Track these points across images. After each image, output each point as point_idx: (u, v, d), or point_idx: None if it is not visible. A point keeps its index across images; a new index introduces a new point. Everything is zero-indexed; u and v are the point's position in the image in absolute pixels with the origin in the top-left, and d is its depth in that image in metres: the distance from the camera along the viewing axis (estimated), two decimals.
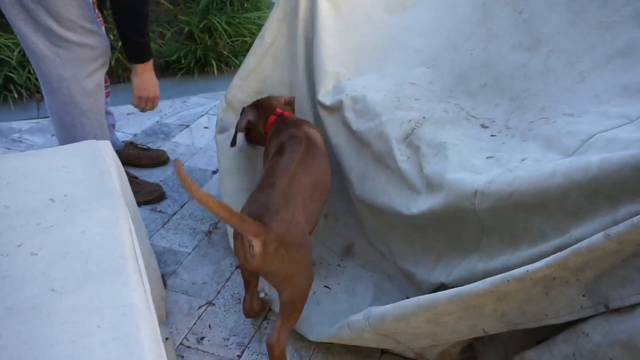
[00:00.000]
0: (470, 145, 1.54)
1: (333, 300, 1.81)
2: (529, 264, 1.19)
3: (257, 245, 1.38)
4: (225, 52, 3.63)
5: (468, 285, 1.25)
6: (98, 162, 1.56)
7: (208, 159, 2.64)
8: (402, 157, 1.65)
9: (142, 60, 1.99)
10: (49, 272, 1.15)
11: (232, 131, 2.08)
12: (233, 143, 1.97)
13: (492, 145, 1.53)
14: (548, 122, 1.53)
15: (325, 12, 2.05)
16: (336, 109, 1.91)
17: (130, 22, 1.88)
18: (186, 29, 3.69)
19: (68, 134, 2.07)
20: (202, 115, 3.09)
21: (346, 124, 1.87)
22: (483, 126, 1.65)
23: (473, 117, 1.71)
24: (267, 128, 1.90)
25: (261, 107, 1.95)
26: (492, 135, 1.59)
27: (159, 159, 2.57)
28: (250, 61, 2.14)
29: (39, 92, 3.20)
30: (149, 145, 2.67)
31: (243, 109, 1.98)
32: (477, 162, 1.46)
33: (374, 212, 1.79)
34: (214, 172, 2.53)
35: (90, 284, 1.10)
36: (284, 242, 1.40)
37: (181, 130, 2.92)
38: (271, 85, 2.16)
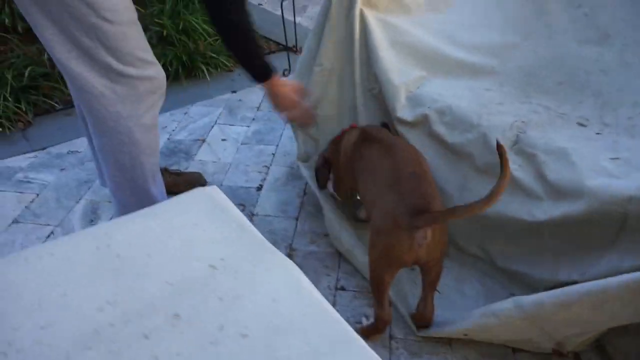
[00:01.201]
0: (587, 147, 1.60)
1: (447, 301, 1.83)
2: None
3: (429, 234, 1.46)
4: (209, 54, 3.44)
5: None
6: (225, 213, 1.46)
7: (244, 174, 2.53)
8: (514, 166, 1.67)
9: (267, 76, 1.82)
10: (276, 354, 1.07)
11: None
12: (321, 185, 2.08)
13: (606, 145, 1.60)
14: None
15: (376, 29, 2.02)
16: (419, 123, 1.91)
17: (246, 44, 1.75)
18: (163, 33, 3.44)
19: (126, 173, 1.91)
20: (213, 127, 2.94)
21: (436, 138, 1.87)
22: (581, 124, 1.71)
23: (564, 114, 1.77)
24: (338, 137, 1.97)
25: (330, 142, 2.07)
26: (597, 134, 1.66)
27: (198, 182, 2.42)
28: (316, 89, 2.14)
29: (20, 120, 2.89)
30: (175, 167, 2.52)
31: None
32: (607, 164, 1.51)
33: (475, 221, 1.82)
34: (258, 189, 2.44)
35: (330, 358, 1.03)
36: (445, 226, 1.53)
37: (199, 146, 2.76)
38: (340, 109, 2.18)
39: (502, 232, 1.78)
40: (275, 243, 2.09)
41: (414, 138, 1.94)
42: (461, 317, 1.69)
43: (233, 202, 2.28)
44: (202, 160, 2.65)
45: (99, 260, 1.24)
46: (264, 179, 2.51)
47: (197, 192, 1.52)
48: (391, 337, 1.77)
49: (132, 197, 2.01)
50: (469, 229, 1.87)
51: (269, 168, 2.60)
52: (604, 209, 1.47)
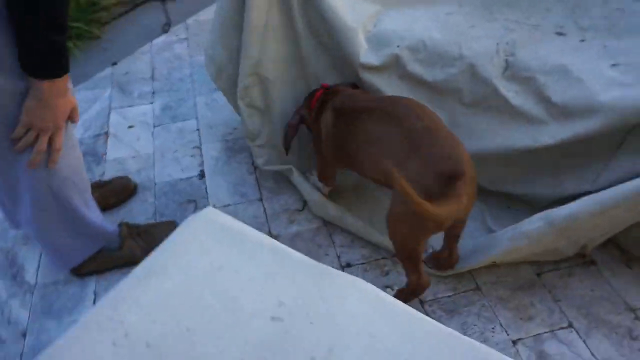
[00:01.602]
0: (581, 59, 1.52)
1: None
2: None
3: (465, 197, 1.32)
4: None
5: None
6: (246, 241, 1.20)
7: (176, 163, 2.16)
8: (510, 94, 1.56)
9: (59, 72, 1.22)
10: None
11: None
12: (287, 146, 1.77)
13: (598, 52, 1.54)
14: (625, 13, 1.56)
15: None
16: (389, 66, 1.71)
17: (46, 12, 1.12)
18: None
19: (50, 207, 1.50)
20: (109, 114, 2.45)
21: (412, 79, 1.69)
22: (560, 34, 1.63)
23: (537, 25, 1.67)
24: (313, 104, 1.72)
25: (307, 98, 1.79)
26: (582, 41, 1.59)
27: (127, 188, 2.01)
28: (250, 54, 1.81)
29: None
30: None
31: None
32: (611, 73, 1.46)
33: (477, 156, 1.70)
34: (201, 176, 2.10)
35: None
36: (474, 177, 1.38)
37: (105, 142, 2.29)
38: (286, 68, 1.90)
39: (502, 160, 1.69)
40: None
41: (384, 83, 1.73)
42: (485, 246, 1.63)
43: (178, 200, 1.97)
44: (117, 159, 2.20)
45: None
46: (202, 163, 2.17)
47: (194, 223, 1.21)
48: (422, 302, 1.65)
49: (64, 233, 1.60)
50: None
51: (200, 148, 2.24)
52: (623, 121, 1.42)
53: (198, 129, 2.33)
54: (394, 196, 1.43)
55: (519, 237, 1.51)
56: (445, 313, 1.63)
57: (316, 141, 1.76)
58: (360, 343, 0.98)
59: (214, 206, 1.97)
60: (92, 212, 1.62)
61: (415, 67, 1.67)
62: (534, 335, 1.56)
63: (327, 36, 1.78)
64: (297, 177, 1.93)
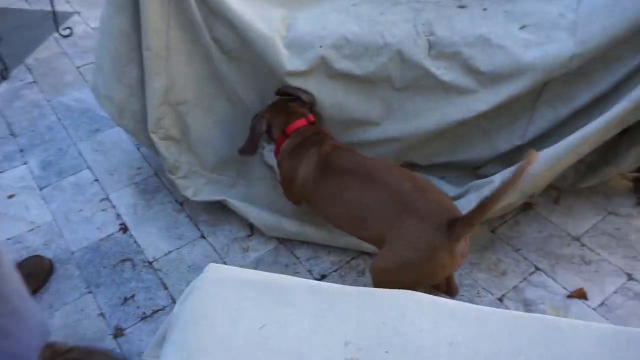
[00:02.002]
0: (494, 27, 1.62)
1: None
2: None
3: (466, 239, 1.36)
4: None
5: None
6: (273, 289, 1.11)
7: (88, 223, 1.89)
8: (440, 71, 1.62)
9: None
10: None
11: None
12: (252, 151, 1.67)
13: (504, 18, 1.65)
14: None
15: None
16: (316, 68, 1.66)
17: None
18: None
19: None
20: None
21: (341, 76, 1.68)
22: (462, 7, 1.72)
23: (439, 2, 1.75)
24: (290, 130, 1.62)
25: (280, 109, 1.68)
26: (484, 10, 1.70)
27: (41, 267, 1.71)
28: (157, 84, 1.67)
29: None
30: None
31: (256, 116, 1.69)
32: (524, 35, 1.58)
33: (409, 137, 1.75)
34: (124, 230, 1.86)
35: None
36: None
37: None
38: (200, 88, 1.77)
39: (438, 135, 1.75)
40: None
41: (314, 86, 1.68)
42: None
43: (109, 263, 1.74)
44: (12, 238, 1.85)
45: None
46: (118, 215, 1.92)
47: (206, 290, 1.07)
48: None
49: None
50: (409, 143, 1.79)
51: (109, 199, 1.98)
52: (547, 75, 1.56)
53: (96, 179, 2.05)
54: (386, 257, 1.39)
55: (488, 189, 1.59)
56: (470, 264, 1.69)
57: (286, 172, 1.64)
58: (442, 354, 0.96)
59: (156, 260, 1.77)
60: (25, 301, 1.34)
61: (343, 64, 1.64)
62: (513, 288, 1.67)
63: (241, 49, 1.67)
64: (236, 204, 1.81)
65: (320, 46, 1.63)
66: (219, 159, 1.88)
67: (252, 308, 1.03)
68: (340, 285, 1.08)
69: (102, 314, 1.61)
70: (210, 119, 1.81)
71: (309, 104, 1.69)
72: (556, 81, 1.62)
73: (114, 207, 1.95)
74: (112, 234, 1.85)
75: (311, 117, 1.66)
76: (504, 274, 1.71)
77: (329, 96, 1.70)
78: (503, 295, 1.65)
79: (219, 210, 1.90)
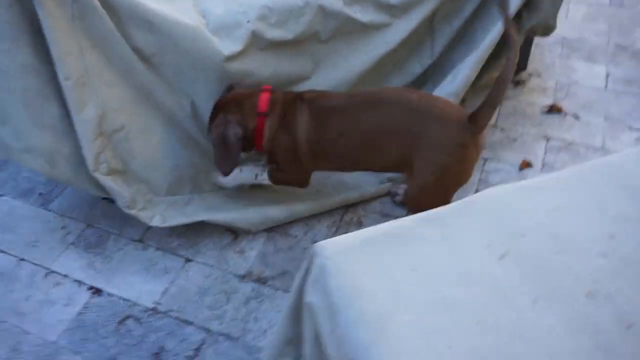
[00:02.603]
0: None
1: None
2: None
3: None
4: None
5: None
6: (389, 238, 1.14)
7: (46, 306, 1.59)
8: (358, 15, 1.73)
9: None
10: None
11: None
12: (234, 164, 1.55)
13: None
14: None
15: None
16: (250, 45, 1.61)
17: None
18: None
19: None
20: None
21: (272, 44, 1.66)
22: None
23: None
24: (265, 106, 1.55)
25: (232, 103, 1.55)
26: None
27: None
28: (87, 115, 1.48)
29: None
30: None
31: (211, 127, 1.56)
32: None
33: (340, 84, 1.83)
34: (95, 292, 1.62)
35: None
36: None
37: None
38: (134, 110, 1.60)
39: (364, 76, 1.87)
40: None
41: (249, 64, 1.63)
42: None
43: (109, 328, 1.52)
44: None
45: None
46: (78, 281, 1.64)
47: (334, 264, 1.05)
48: None
49: None
50: None
51: (52, 270, 1.67)
52: None
53: (22, 259, 1.71)
54: (423, 171, 1.46)
55: None
56: None
57: (285, 153, 1.57)
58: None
59: (155, 302, 1.58)
60: None
61: (273, 33, 1.62)
62: (478, 181, 1.90)
63: (162, 53, 1.53)
64: (214, 217, 1.69)
65: (248, 21, 1.59)
66: (170, 180, 1.71)
67: (392, 258, 1.04)
68: (441, 208, 1.14)
69: None
70: (150, 140, 1.63)
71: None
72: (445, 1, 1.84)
73: (66, 276, 1.66)
74: (87, 303, 1.58)
75: (266, 86, 1.61)
76: None
77: (264, 68, 1.67)
78: (476, 189, 1.87)
79: (184, 230, 1.75)
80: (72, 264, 1.69)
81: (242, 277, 1.64)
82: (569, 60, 2.41)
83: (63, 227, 1.79)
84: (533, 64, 2.36)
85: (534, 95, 2.23)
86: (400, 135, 1.45)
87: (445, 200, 1.47)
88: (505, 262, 1.03)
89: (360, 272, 1.01)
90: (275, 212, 1.72)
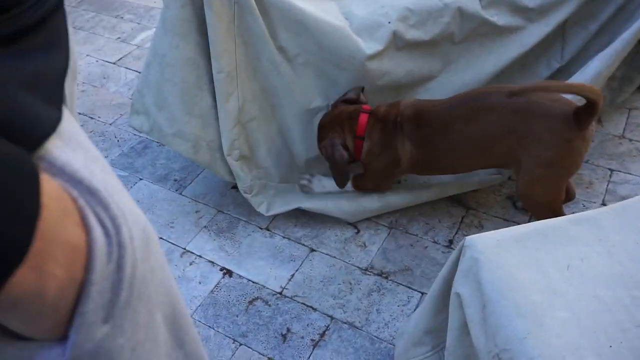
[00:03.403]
0: None
1: None
2: None
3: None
4: None
5: None
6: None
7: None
8: (495, 18, 1.75)
9: None
10: None
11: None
12: (344, 182, 1.69)
13: None
14: None
15: None
16: (389, 44, 1.67)
17: None
18: None
19: None
20: None
21: (411, 46, 1.73)
22: None
23: None
24: (362, 130, 1.64)
25: (336, 124, 1.65)
26: None
27: None
28: (231, 105, 1.60)
29: None
30: None
31: (319, 145, 1.69)
32: None
33: (468, 84, 1.85)
34: (227, 273, 1.72)
35: None
36: None
37: None
38: (265, 102, 1.72)
39: (493, 80, 1.87)
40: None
41: (387, 64, 1.70)
42: None
43: (240, 307, 1.65)
44: None
45: None
46: (212, 262, 1.76)
47: (487, 259, 1.06)
48: None
49: None
50: None
51: (187, 250, 1.80)
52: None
53: (160, 237, 1.85)
54: (530, 156, 1.47)
55: None
56: None
57: (379, 165, 1.66)
58: None
59: (282, 287, 1.66)
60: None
61: (411, 33, 1.68)
62: (607, 192, 1.84)
63: (307, 53, 1.62)
64: (311, 205, 1.77)
65: (389, 22, 1.65)
66: (285, 169, 1.83)
67: (545, 255, 1.04)
68: (592, 210, 1.14)
69: (271, 359, 1.49)
70: (274, 131, 1.74)
71: (357, 93, 1.70)
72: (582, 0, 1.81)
73: (200, 256, 1.78)
74: (219, 282, 1.70)
75: (365, 107, 1.66)
76: (591, 183, 1.88)
77: (400, 68, 1.73)
78: (603, 199, 1.82)
79: (308, 221, 1.83)
80: (205, 245, 1.81)
81: (365, 270, 1.69)
82: None
83: (197, 212, 1.93)
84: None
85: None
86: (506, 138, 1.47)
87: (557, 192, 1.51)
88: None
89: (513, 267, 1.03)
90: (368, 202, 1.76)
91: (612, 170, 1.91)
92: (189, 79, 1.54)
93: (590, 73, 1.72)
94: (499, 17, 1.74)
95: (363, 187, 1.76)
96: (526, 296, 0.98)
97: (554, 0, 1.74)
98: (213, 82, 1.56)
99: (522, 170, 1.51)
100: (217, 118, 1.62)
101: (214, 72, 1.52)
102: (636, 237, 1.06)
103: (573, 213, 1.68)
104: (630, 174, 1.89)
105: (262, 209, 1.78)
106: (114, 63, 2.73)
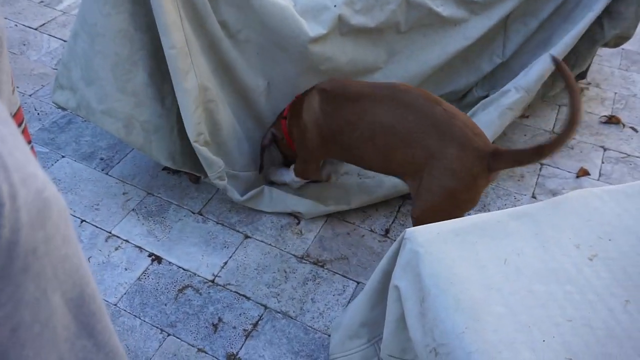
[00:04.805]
0: None
1: None
2: None
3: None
4: None
5: None
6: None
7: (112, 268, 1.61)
8: (440, 9, 1.74)
9: None
10: None
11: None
12: (261, 168, 1.70)
13: None
14: None
15: None
16: (334, 28, 1.63)
17: None
18: None
19: None
20: None
21: (356, 30, 1.68)
22: None
23: None
24: (285, 112, 1.64)
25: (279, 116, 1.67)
26: None
27: None
28: (189, 84, 1.47)
29: None
30: None
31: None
32: None
33: (412, 75, 1.85)
34: (154, 259, 1.64)
35: None
36: None
37: None
38: (214, 82, 1.60)
39: (437, 71, 1.87)
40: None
41: (330, 48, 1.65)
42: None
43: (169, 295, 1.56)
44: None
45: None
46: (139, 247, 1.67)
47: (426, 252, 1.06)
48: None
49: None
50: None
51: (112, 234, 1.70)
52: None
53: (83, 220, 1.73)
54: (432, 176, 1.38)
55: (506, 112, 1.75)
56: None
57: (298, 140, 1.61)
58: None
59: (214, 274, 1.60)
60: None
61: (357, 19, 1.63)
62: (537, 185, 1.90)
63: (249, 30, 1.54)
64: (274, 192, 1.72)
65: (335, 5, 1.60)
66: (243, 155, 1.74)
67: (484, 249, 1.05)
68: (530, 205, 1.15)
69: (201, 350, 1.43)
70: (230, 114, 1.65)
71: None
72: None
73: (127, 241, 1.68)
74: (147, 269, 1.61)
75: (299, 94, 1.64)
76: (522, 176, 1.93)
77: (343, 55, 1.69)
78: (533, 192, 1.87)
79: (243, 207, 1.77)
80: (133, 229, 1.71)
81: (301, 258, 1.65)
82: (628, 72, 2.40)
83: (124, 193, 1.82)
84: (592, 73, 2.34)
85: (592, 105, 2.23)
86: (413, 145, 1.38)
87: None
88: (595, 263, 1.03)
89: (453, 261, 1.02)
90: (324, 207, 1.73)
91: (542, 165, 1.97)
92: (121, 52, 1.43)
93: (534, 75, 1.75)
94: (444, 8, 1.74)
95: (297, 171, 1.71)
96: (465, 291, 0.98)
97: None
98: (149, 58, 1.46)
99: (420, 189, 1.41)
100: (152, 97, 1.51)
101: (165, 48, 1.40)
102: (569, 232, 1.09)
103: (505, 205, 1.74)
104: (559, 168, 1.96)
105: (235, 196, 1.67)
106: (35, 29, 2.52)
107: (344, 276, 1.61)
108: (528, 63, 1.85)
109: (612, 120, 2.15)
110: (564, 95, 2.23)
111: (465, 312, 0.95)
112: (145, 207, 1.78)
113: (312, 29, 1.58)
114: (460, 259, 1.03)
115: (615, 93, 2.28)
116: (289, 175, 1.74)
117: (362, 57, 1.72)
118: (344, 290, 1.58)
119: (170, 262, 1.63)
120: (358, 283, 1.60)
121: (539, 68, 1.75)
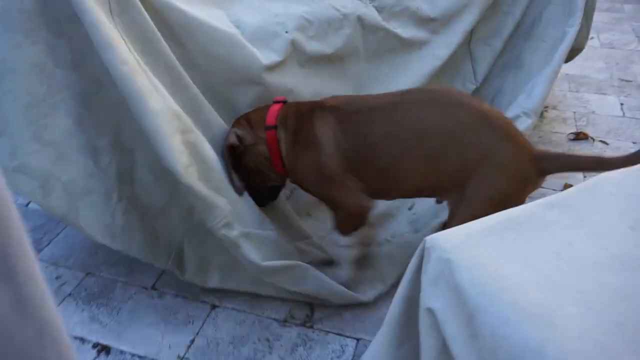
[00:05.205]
0: None
1: None
2: None
3: None
4: None
5: None
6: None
7: None
8: (399, 30, 1.66)
9: None
10: None
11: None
12: (240, 189, 1.32)
13: None
14: None
15: None
16: (289, 55, 1.47)
17: None
18: None
19: None
20: None
21: (313, 59, 1.54)
22: None
23: None
24: (273, 119, 1.33)
25: (240, 119, 1.38)
26: None
27: None
28: (156, 103, 1.17)
29: None
30: None
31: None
32: None
33: None
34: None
35: None
36: None
37: None
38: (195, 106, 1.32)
39: None
40: None
41: (290, 80, 1.47)
42: None
43: None
44: None
45: None
46: (81, 339, 1.33)
47: (457, 257, 0.85)
48: None
49: None
50: None
51: None
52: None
53: None
54: (482, 180, 1.23)
55: None
56: None
57: (308, 169, 1.32)
58: None
59: (180, 356, 1.28)
60: None
61: (312, 45, 1.49)
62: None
63: (198, 64, 1.34)
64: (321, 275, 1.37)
65: (286, 32, 1.45)
66: (250, 207, 1.36)
67: (526, 245, 0.84)
68: (560, 193, 0.96)
69: None
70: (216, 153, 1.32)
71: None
72: (480, 21, 1.78)
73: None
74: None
75: (280, 97, 1.40)
76: None
77: (305, 87, 1.52)
78: None
79: None
80: (71, 318, 1.38)
81: (284, 322, 1.37)
82: (579, 93, 2.38)
83: (57, 278, 1.50)
84: None
85: (556, 125, 2.16)
86: (467, 146, 1.21)
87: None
88: None
89: (494, 263, 0.80)
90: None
91: None
92: (36, 92, 1.16)
93: (538, 97, 1.68)
94: (402, 30, 1.64)
95: (340, 222, 1.37)
96: (523, 295, 0.75)
97: (455, 8, 1.70)
98: (74, 102, 1.20)
99: (463, 198, 1.23)
100: (79, 151, 1.21)
101: (115, 66, 1.11)
102: (615, 215, 0.90)
103: None
104: (543, 187, 1.82)
105: (253, 257, 1.27)
106: None
107: (339, 334, 1.34)
108: (502, 85, 1.78)
109: (580, 137, 2.08)
110: None
111: (534, 320, 0.72)
112: (85, 289, 1.46)
113: (266, 56, 1.40)
114: (504, 259, 0.81)
115: (574, 112, 2.24)
116: (343, 259, 1.43)
117: (327, 89, 1.53)
118: (344, 351, 1.30)
119: (122, 351, 1.30)
120: (358, 340, 1.32)
121: (542, 88, 1.69)
